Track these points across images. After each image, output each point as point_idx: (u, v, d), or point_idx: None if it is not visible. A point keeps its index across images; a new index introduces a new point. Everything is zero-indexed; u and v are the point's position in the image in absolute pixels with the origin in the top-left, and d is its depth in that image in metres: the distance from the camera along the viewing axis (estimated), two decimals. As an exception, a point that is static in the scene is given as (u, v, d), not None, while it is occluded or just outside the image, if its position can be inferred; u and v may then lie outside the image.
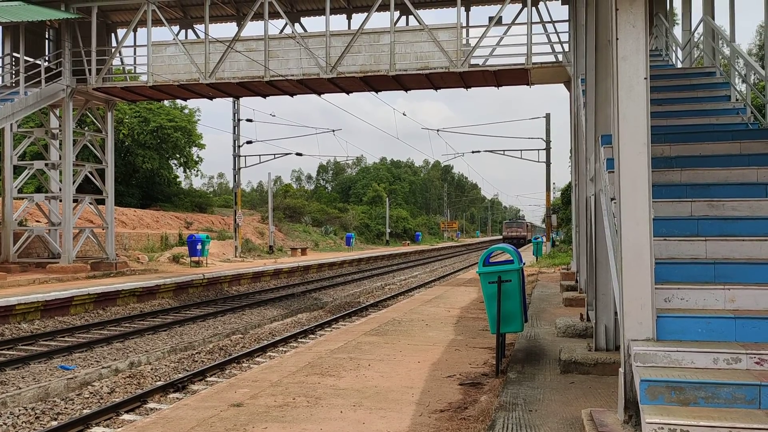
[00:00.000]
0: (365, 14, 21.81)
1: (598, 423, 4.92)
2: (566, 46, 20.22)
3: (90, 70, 22.87)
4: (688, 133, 8.58)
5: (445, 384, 7.04)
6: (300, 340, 14.45)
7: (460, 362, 8.14)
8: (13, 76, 23.24)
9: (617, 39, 5.11)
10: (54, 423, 8.40)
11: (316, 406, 6.16)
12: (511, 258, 7.67)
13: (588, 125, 8.82)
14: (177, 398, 9.50)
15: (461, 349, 8.99)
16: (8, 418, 8.51)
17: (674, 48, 14.57)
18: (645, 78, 5.05)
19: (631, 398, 4.85)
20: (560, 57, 20.49)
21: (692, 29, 13.82)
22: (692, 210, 6.59)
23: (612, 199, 6.10)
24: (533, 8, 20.64)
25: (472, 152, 45.37)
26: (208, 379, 10.85)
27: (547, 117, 36.85)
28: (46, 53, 24.14)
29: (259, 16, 21.93)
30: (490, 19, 20.93)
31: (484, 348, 9.04)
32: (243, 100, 34.86)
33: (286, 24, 22.29)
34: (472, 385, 6.99)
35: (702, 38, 12.63)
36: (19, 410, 8.85)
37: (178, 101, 41.04)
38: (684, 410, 4.39)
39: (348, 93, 23.88)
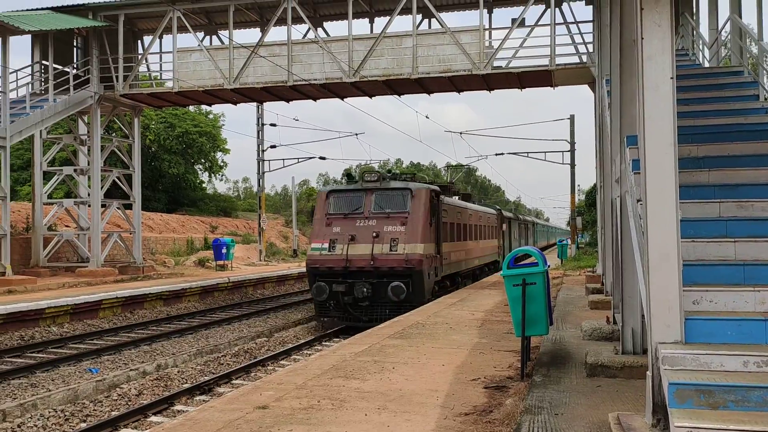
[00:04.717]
0: (387, 18, 21.85)
1: (625, 427, 4.86)
2: (590, 47, 20.06)
3: (117, 77, 23.23)
4: (715, 133, 8.46)
5: (470, 387, 7.01)
6: (324, 343, 14.49)
7: (485, 365, 8.10)
8: (43, 84, 23.69)
9: (642, 38, 5.05)
10: (83, 425, 8.54)
11: (340, 408, 6.17)
12: (536, 261, 7.62)
13: (613, 126, 8.74)
14: (203, 400, 9.59)
15: (486, 353, 8.94)
16: (38, 419, 8.66)
17: (701, 47, 14.37)
18: (671, 78, 4.99)
19: (659, 402, 4.79)
20: (584, 58, 20.33)
21: (719, 28, 13.62)
22: (720, 211, 6.49)
23: (638, 201, 6.04)
24: (557, 9, 20.51)
25: (496, 155, 45.19)
26: (234, 381, 10.93)
27: (572, 118, 36.58)
28: (75, 61, 24.57)
29: (282, 21, 22.10)
30: (513, 20, 20.85)
31: (508, 351, 8.99)
32: (266, 105, 35.09)
33: (309, 29, 22.42)
34: (497, 388, 6.95)
35: (729, 37, 12.44)
36: (49, 412, 9.00)
37: (203, 106, 41.56)
38: (713, 414, 4.32)
39: (371, 97, 23.94)
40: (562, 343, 9.36)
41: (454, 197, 22.31)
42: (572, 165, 36.84)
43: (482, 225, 26.28)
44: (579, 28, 20.74)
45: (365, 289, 15.19)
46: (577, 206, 41.58)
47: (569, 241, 38.99)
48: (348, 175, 17.49)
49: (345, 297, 15.42)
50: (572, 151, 36.60)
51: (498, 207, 34.48)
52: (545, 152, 38.05)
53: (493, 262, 28.99)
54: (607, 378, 7.03)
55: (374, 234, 15.47)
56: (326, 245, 15.92)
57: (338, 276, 15.60)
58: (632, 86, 7.36)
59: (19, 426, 8.42)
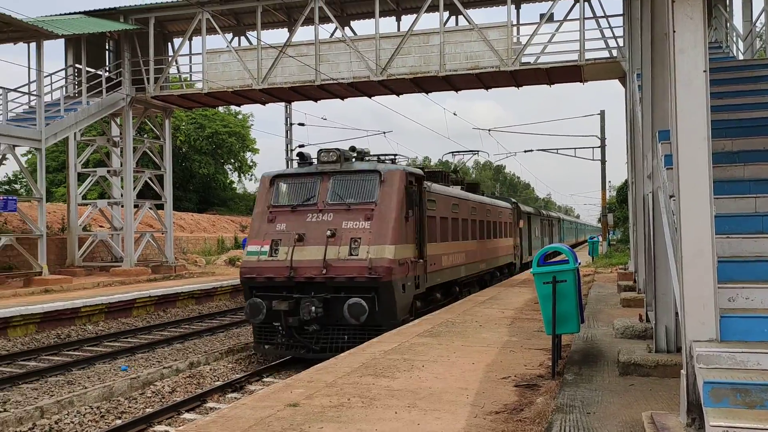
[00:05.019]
0: (414, 16, 21.82)
1: (659, 426, 4.79)
2: (621, 41, 19.80)
3: (148, 79, 23.60)
4: (751, 126, 8.28)
5: (500, 385, 6.97)
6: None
7: (515, 364, 8.04)
8: (76, 87, 24.15)
9: (674, 32, 4.97)
10: (118, 422, 8.69)
11: (370, 406, 6.18)
12: (567, 258, 7.54)
13: (644, 121, 8.61)
14: (235, 398, 9.70)
15: (516, 351, 8.88)
16: (75, 416, 8.84)
17: (735, 39, 14.09)
18: (704, 71, 4.90)
19: (694, 401, 4.71)
20: (614, 52, 20.08)
21: (753, 20, 13.34)
22: (757, 206, 6.35)
23: (671, 197, 5.94)
24: (586, 3, 20.28)
25: (525, 151, 44.79)
26: (265, 379, 11.03)
27: (602, 114, 36.12)
28: (107, 64, 25.00)
29: (309, 21, 22.20)
30: (542, 16, 20.67)
31: (539, 349, 8.92)
32: (295, 105, 35.29)
33: (336, 28, 22.51)
34: (527, 386, 6.91)
35: (764, 29, 12.17)
36: (86, 409, 9.18)
37: (232, 107, 41.95)
38: (750, 413, 4.23)
39: (398, 95, 23.94)
40: (593, 341, 9.25)
41: (454, 187, 18.48)
42: (603, 161, 36.37)
43: (491, 221, 21.67)
44: (609, 22, 20.50)
45: (314, 308, 11.35)
46: (608, 203, 41.05)
47: (600, 238, 38.52)
48: (300, 155, 13.46)
49: (289, 318, 11.58)
50: (603, 147, 36.13)
51: (514, 200, 29.13)
52: (575, 148, 37.49)
53: (507, 265, 24.91)
54: (640, 377, 6.93)
55: (329, 232, 11.80)
56: (266, 248, 12.20)
57: (281, 289, 11.91)
58: (664, 80, 7.24)
59: (56, 422, 8.61)
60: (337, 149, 12.78)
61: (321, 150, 12.88)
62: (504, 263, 24.16)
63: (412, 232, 12.85)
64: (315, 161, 13.02)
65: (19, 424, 8.52)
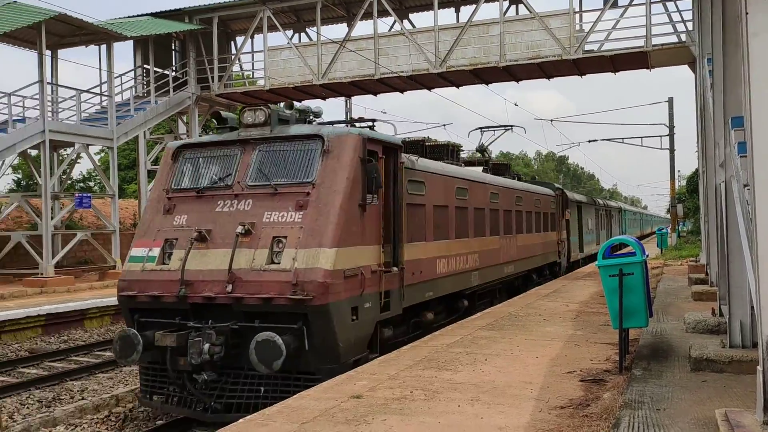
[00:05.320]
0: (474, 6, 21.60)
1: (734, 423, 4.62)
2: (690, 25, 19.09)
3: (212, 78, 24.19)
4: (832, 111, 7.83)
5: (565, 380, 6.86)
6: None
7: (581, 358, 7.90)
8: (144, 87, 24.98)
9: (747, 13, 4.75)
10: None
11: (433, 399, 6.19)
12: (634, 250, 7.35)
13: (716, 108, 8.28)
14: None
15: (581, 345, 8.72)
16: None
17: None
18: (781, 53, 4.67)
19: (771, 398, 4.52)
20: (683, 37, 19.37)
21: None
22: (839, 195, 6.02)
23: (745, 186, 5.70)
24: (652, -13, 19.65)
25: (588, 141, 43.57)
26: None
27: (670, 101, 34.98)
28: (173, 63, 25.74)
29: (368, 15, 22.28)
30: (605, 1, 20.12)
31: (605, 344, 8.73)
32: (354, 99, 35.52)
33: (394, 21, 22.51)
34: (593, 381, 6.77)
35: None
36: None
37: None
38: (834, 413, 4.03)
39: (458, 87, 23.78)
40: (663, 335, 8.99)
41: (473, 168, 14.85)
42: (671, 150, 35.25)
43: (524, 210, 17.08)
44: (677, 6, 19.82)
45: (207, 346, 7.47)
46: (677, 193, 39.72)
47: (669, 230, 37.35)
48: (216, 115, 9.68)
49: (179, 359, 7.73)
50: (671, 135, 35.00)
51: (558, 185, 23.46)
52: (642, 137, 36.22)
53: (549, 265, 20.45)
54: (713, 373, 6.70)
55: (240, 229, 8.01)
56: (156, 252, 8.49)
57: (174, 314, 8.10)
58: (737, 65, 6.94)
59: (131, 410, 8.99)
60: (268, 106, 9.10)
61: (245, 108, 9.33)
62: (543, 263, 19.64)
63: (375, 228, 8.89)
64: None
65: (96, 411, 8.92)
